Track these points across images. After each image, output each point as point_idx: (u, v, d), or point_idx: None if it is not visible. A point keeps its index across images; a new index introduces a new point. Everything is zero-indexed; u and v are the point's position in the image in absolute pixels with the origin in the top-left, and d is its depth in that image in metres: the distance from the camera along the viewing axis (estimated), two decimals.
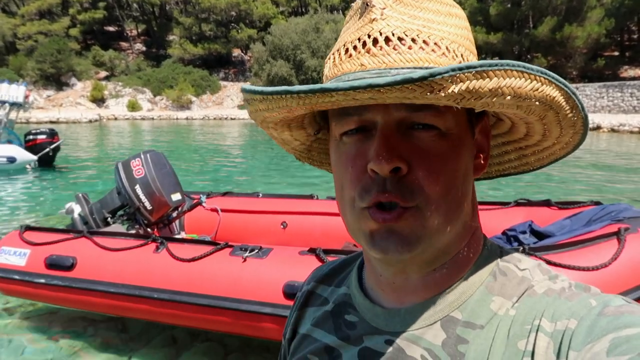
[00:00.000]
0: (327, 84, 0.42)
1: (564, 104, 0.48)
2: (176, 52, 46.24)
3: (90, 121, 33.43)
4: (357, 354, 0.57)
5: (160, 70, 44.81)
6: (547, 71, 0.45)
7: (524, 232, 2.83)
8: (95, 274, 2.90)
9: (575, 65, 32.64)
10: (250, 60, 44.50)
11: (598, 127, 21.39)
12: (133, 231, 3.86)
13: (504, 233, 2.93)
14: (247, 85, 0.49)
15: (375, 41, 0.48)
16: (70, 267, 2.97)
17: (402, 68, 0.47)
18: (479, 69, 0.40)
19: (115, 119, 37.17)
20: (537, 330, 0.47)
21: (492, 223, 3.24)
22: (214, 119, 37.43)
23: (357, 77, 0.48)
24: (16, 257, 3.19)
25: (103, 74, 45.61)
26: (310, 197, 4.23)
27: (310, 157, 0.69)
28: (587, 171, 10.69)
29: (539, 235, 2.82)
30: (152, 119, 37.68)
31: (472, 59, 0.53)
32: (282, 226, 4.01)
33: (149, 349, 3.17)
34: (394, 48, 0.48)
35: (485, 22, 35.05)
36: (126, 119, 37.24)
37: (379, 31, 0.48)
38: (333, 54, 0.53)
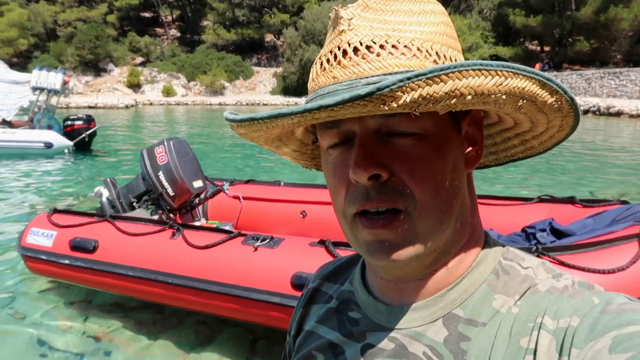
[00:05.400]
0: (283, 109, 0.44)
1: (538, 91, 0.47)
2: (210, 38, 46.60)
3: (126, 106, 34.19)
4: (360, 350, 0.58)
5: (194, 56, 45.29)
6: (511, 64, 0.43)
7: (543, 230, 2.74)
8: (115, 257, 3.01)
9: (619, 49, 31.14)
10: (283, 46, 44.44)
11: None
12: (156, 216, 3.96)
13: (523, 230, 2.85)
14: (225, 114, 0.52)
15: (344, 52, 0.49)
16: (93, 250, 3.08)
17: (373, 76, 0.47)
18: (429, 75, 0.40)
19: (151, 104, 37.90)
20: (540, 328, 0.47)
21: (513, 219, 3.16)
22: (247, 104, 37.72)
23: (330, 90, 0.49)
24: (44, 238, 3.34)
25: (139, 59, 46.51)
26: None
27: (316, 164, 0.71)
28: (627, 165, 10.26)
29: (559, 233, 2.72)
30: (186, 104, 38.24)
31: (451, 54, 0.51)
32: (301, 215, 4.03)
33: (178, 333, 3.25)
34: (362, 57, 0.48)
35: (525, 4, 33.76)
36: (161, 105, 37.92)
37: (347, 42, 0.49)
38: (312, 67, 0.54)
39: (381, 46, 0.48)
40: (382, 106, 0.41)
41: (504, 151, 0.66)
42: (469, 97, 0.42)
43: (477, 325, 0.51)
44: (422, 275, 0.55)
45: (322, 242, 2.64)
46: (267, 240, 2.76)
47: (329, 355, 0.61)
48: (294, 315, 0.73)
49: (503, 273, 0.54)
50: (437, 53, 0.49)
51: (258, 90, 43.83)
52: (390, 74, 0.47)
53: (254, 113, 0.47)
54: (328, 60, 0.51)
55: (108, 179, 4.30)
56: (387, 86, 0.39)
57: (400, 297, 0.57)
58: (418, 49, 0.48)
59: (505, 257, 0.56)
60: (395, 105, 0.40)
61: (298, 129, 0.61)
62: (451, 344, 0.51)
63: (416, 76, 0.39)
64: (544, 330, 0.47)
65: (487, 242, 0.58)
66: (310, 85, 0.54)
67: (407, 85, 0.39)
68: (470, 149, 0.56)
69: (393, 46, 0.48)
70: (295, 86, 38.96)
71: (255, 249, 2.72)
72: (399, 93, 0.40)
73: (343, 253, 2.51)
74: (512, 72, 0.43)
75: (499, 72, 0.43)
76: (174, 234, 3.00)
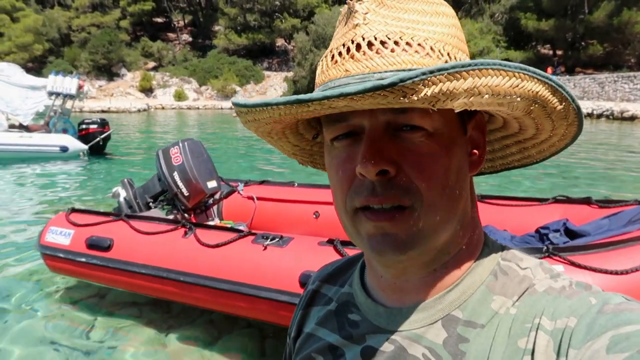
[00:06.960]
0: (301, 95, 0.43)
1: (550, 97, 0.48)
2: (221, 43, 46.95)
3: (139, 110, 34.55)
4: (360, 353, 0.57)
5: (206, 60, 45.68)
6: (527, 67, 0.44)
7: (557, 231, 2.71)
8: (129, 255, 3.06)
9: (633, 52, 30.81)
10: (294, 50, 44.62)
11: None
12: (171, 216, 3.99)
13: (537, 231, 2.82)
14: (235, 99, 0.51)
15: (358, 46, 0.49)
16: (108, 248, 3.13)
17: (386, 71, 0.47)
18: (451, 70, 0.40)
19: (163, 108, 38.26)
20: (537, 329, 0.47)
21: (528, 220, 3.14)
22: None
23: (341, 83, 0.49)
24: (62, 236, 3.40)
25: (151, 64, 47.02)
26: None
27: (312, 161, 0.70)
28: None
29: (573, 234, 2.69)
30: (198, 108, 38.52)
31: (461, 56, 0.52)
32: (314, 216, 4.04)
33: (189, 331, 3.27)
34: (376, 52, 0.48)
35: (537, 7, 33.56)
36: (173, 109, 38.26)
37: (362, 36, 0.49)
38: (321, 61, 0.54)
39: (395, 42, 0.48)
40: (402, 98, 0.40)
41: (500, 159, 0.66)
42: (486, 96, 0.42)
43: (475, 326, 0.51)
44: (421, 275, 0.55)
45: (330, 241, 2.64)
46: (277, 239, 2.77)
47: (329, 357, 0.61)
48: (294, 317, 0.73)
49: (501, 274, 0.54)
50: (448, 54, 0.50)
51: (269, 94, 44.01)
52: (404, 70, 0.47)
53: (268, 98, 0.46)
54: (340, 54, 0.50)
55: (125, 180, 4.34)
56: (410, 78, 0.38)
57: (400, 299, 0.57)
58: (431, 48, 0.48)
59: (503, 258, 0.56)
60: (415, 98, 0.40)
61: (300, 123, 0.61)
62: (450, 346, 0.51)
63: (439, 70, 0.39)
64: (541, 331, 0.47)
65: (486, 243, 0.58)
66: (319, 78, 0.53)
67: (429, 79, 0.39)
68: (473, 152, 0.56)
69: (407, 43, 0.48)
70: (306, 90, 38.79)
71: (265, 248, 2.74)
72: (421, 86, 0.39)
73: (351, 252, 2.50)
74: (528, 74, 0.44)
75: (516, 74, 0.43)
76: (186, 233, 3.03)
